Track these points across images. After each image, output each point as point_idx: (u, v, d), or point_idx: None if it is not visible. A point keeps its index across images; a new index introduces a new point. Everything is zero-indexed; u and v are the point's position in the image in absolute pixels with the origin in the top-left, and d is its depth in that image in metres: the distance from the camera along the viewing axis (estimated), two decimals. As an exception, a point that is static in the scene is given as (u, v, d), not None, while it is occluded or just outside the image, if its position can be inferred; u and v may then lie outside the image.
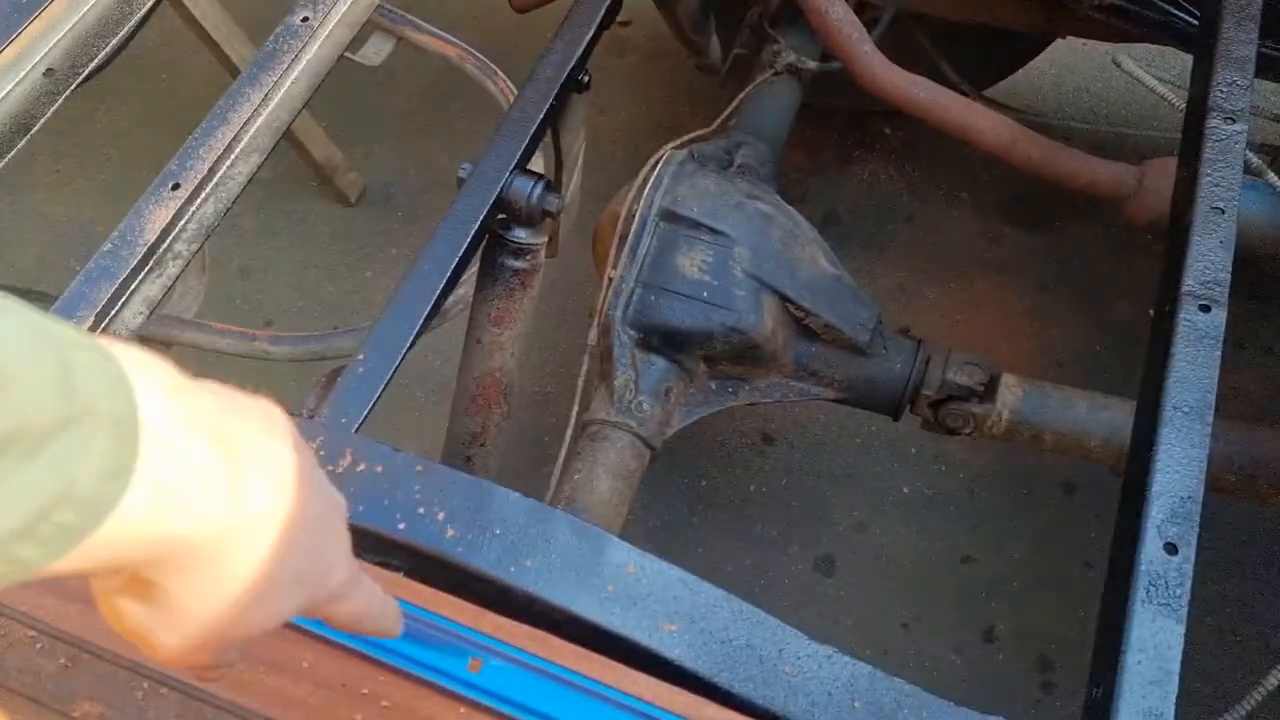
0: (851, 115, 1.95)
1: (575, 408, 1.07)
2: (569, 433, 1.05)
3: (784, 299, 1.09)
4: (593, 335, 1.08)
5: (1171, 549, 0.66)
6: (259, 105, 0.86)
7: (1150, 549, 0.66)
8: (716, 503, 1.58)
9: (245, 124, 0.85)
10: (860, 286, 1.16)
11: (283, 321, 1.81)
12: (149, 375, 0.36)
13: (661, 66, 2.11)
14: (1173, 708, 0.61)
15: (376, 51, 1.17)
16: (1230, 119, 0.86)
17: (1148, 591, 0.64)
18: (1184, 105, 0.97)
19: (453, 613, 0.59)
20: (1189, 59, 1.02)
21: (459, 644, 0.58)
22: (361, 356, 0.76)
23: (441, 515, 0.64)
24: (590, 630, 0.61)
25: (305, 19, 0.91)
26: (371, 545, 0.64)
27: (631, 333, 1.07)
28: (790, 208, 1.18)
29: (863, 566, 1.51)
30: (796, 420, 1.64)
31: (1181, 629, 0.63)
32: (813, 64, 1.46)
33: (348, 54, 1.04)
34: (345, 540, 0.47)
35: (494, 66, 1.14)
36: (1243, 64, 0.90)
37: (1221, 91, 0.89)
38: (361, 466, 0.66)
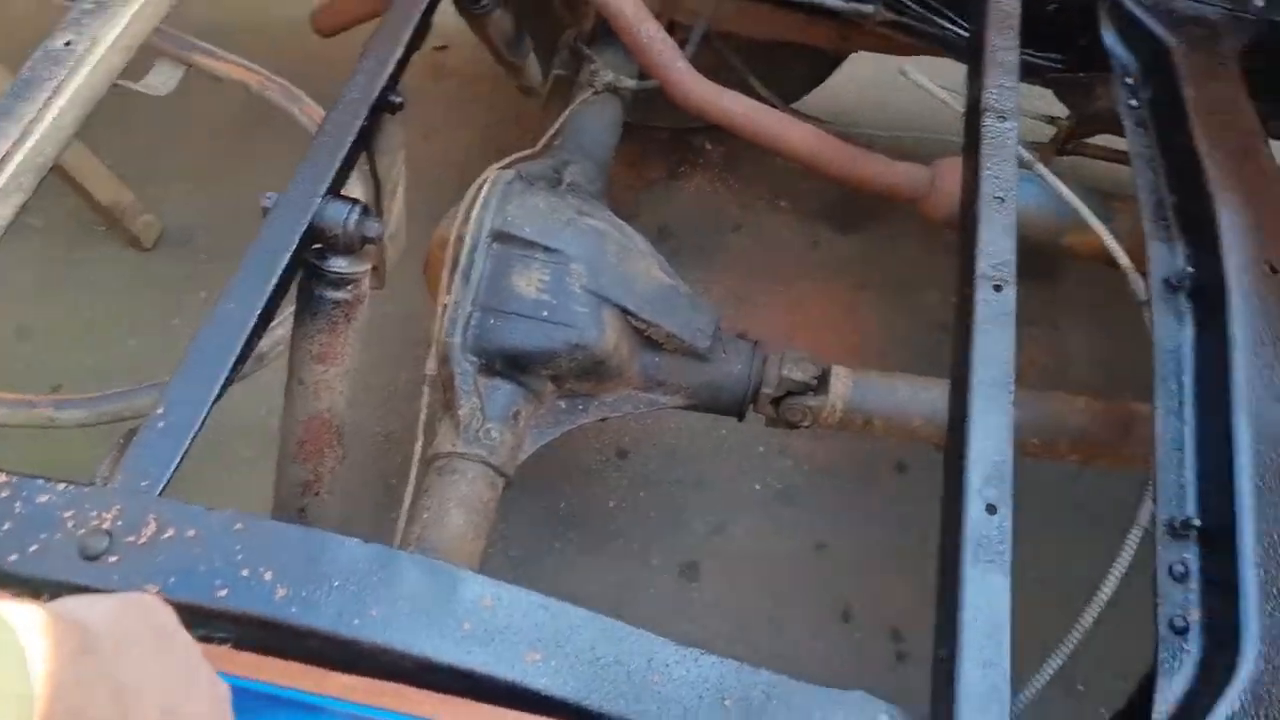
0: (674, 134, 2.01)
1: (419, 443, 1.02)
2: (414, 470, 1.00)
3: (625, 312, 1.10)
4: (431, 365, 1.04)
5: (991, 509, 0.71)
6: (17, 140, 0.76)
7: (973, 512, 0.71)
8: (577, 523, 1.56)
9: (1, 161, 0.74)
10: (696, 295, 1.19)
11: (74, 385, 1.61)
12: (41, 639, 0.38)
13: (482, 89, 2.09)
14: (1007, 656, 0.65)
15: (164, 81, 1.07)
16: (1002, 117, 0.96)
17: (975, 552, 0.69)
18: (964, 108, 1.07)
19: (295, 680, 0.55)
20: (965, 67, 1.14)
21: (306, 714, 0.53)
22: (160, 411, 0.68)
23: (269, 574, 0.58)
24: (449, 673, 0.58)
25: (68, 43, 0.81)
26: (190, 619, 0.57)
27: (473, 359, 1.04)
28: (622, 222, 1.19)
29: (725, 568, 1.54)
30: (649, 432, 1.66)
31: (1008, 582, 0.68)
32: (630, 82, 1.49)
33: (127, 83, 0.95)
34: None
35: (299, 92, 1.08)
36: (1009, 68, 1.01)
37: (993, 93, 0.99)
38: (170, 533, 0.59)
